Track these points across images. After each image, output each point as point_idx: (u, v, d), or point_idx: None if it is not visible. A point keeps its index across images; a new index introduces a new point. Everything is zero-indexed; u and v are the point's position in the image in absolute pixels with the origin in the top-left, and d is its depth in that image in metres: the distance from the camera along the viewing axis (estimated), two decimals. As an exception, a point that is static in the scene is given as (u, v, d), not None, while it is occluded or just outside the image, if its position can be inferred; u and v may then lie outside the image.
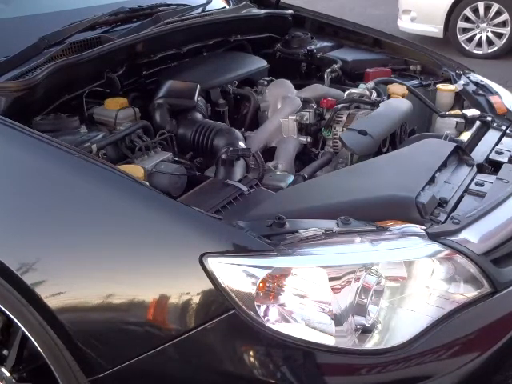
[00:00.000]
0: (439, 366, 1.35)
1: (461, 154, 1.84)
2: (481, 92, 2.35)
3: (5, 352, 1.57)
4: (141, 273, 1.31)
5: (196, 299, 1.28)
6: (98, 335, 1.36)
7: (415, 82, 2.52)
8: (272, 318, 1.27)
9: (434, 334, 1.34)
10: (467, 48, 6.70)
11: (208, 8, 2.44)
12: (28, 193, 1.43)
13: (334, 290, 1.29)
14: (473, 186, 1.71)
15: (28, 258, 1.38)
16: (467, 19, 6.67)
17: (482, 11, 6.58)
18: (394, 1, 7.46)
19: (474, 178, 1.75)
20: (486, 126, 2.12)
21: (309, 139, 2.12)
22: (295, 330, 1.27)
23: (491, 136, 2.06)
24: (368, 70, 2.53)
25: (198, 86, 2.08)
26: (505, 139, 2.05)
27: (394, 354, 1.31)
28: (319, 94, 2.27)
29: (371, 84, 2.32)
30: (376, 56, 2.71)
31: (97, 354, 1.35)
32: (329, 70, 2.49)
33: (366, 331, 1.33)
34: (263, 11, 2.60)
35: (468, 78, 2.47)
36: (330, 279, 1.29)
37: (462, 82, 2.41)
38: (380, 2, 9.05)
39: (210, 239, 1.29)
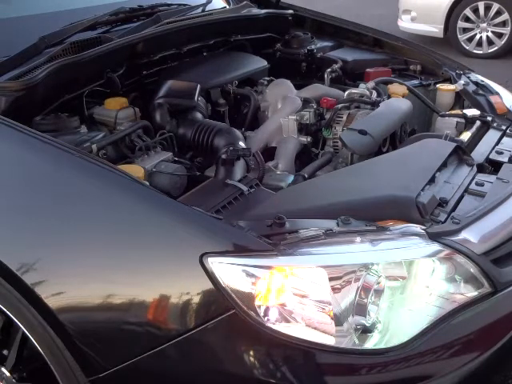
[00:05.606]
0: (439, 366, 1.35)
1: (461, 153, 1.84)
2: (481, 92, 2.35)
3: (5, 352, 1.57)
4: (141, 273, 1.31)
5: (196, 299, 1.28)
6: (98, 335, 1.36)
7: (415, 81, 2.51)
8: (272, 318, 1.27)
9: (434, 334, 1.34)
10: (467, 48, 6.70)
11: (208, 8, 2.44)
12: (28, 192, 1.43)
13: (334, 289, 1.29)
14: (473, 186, 1.71)
15: (28, 258, 1.38)
16: (467, 19, 6.66)
17: (482, 11, 6.57)
18: (394, 1, 7.45)
19: (474, 178, 1.75)
20: (486, 126, 2.12)
21: (309, 139, 2.12)
22: (295, 330, 1.27)
23: (491, 136, 2.06)
24: (368, 69, 2.53)
25: (198, 86, 2.08)
26: (505, 139, 2.05)
27: (394, 353, 1.31)
28: (319, 94, 2.27)
29: (371, 84, 2.32)
30: (376, 56, 2.71)
31: (97, 354, 1.35)
32: (329, 69, 2.49)
33: (366, 331, 1.34)
34: (263, 11, 2.60)
35: (468, 77, 2.47)
36: (330, 279, 1.29)
37: (462, 81, 2.41)
38: (380, 2, 9.04)
39: (210, 239, 1.29)
